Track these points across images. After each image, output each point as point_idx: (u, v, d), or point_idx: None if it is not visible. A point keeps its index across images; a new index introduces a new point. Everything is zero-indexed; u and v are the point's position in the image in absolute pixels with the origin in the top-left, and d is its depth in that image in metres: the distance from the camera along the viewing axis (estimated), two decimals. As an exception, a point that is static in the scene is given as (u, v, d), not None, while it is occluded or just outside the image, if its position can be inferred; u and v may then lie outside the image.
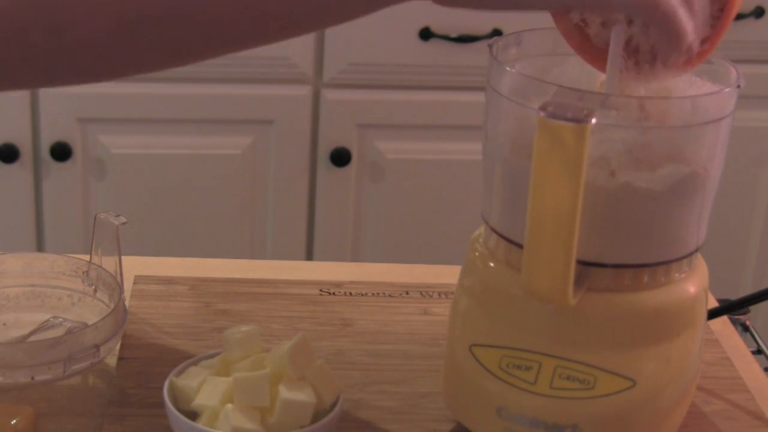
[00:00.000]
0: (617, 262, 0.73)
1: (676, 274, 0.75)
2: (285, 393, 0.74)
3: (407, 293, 1.00)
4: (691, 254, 0.76)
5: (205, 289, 0.99)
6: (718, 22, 0.71)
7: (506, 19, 1.74)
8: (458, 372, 0.78)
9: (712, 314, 0.91)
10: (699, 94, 0.72)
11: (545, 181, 0.68)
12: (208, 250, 1.81)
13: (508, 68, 0.74)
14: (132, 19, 0.62)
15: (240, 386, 0.74)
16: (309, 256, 1.88)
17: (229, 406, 0.73)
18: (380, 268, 1.05)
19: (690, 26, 0.68)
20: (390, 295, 1.00)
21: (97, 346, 0.84)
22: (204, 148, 1.80)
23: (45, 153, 1.75)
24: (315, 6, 0.66)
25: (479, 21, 1.75)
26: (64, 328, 0.89)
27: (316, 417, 0.75)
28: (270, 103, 1.78)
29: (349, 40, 1.75)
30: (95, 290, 0.92)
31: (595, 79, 0.76)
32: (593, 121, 0.66)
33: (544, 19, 0.74)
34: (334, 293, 1.00)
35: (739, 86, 0.73)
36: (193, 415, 0.75)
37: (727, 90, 0.73)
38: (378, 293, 1.00)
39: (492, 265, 0.77)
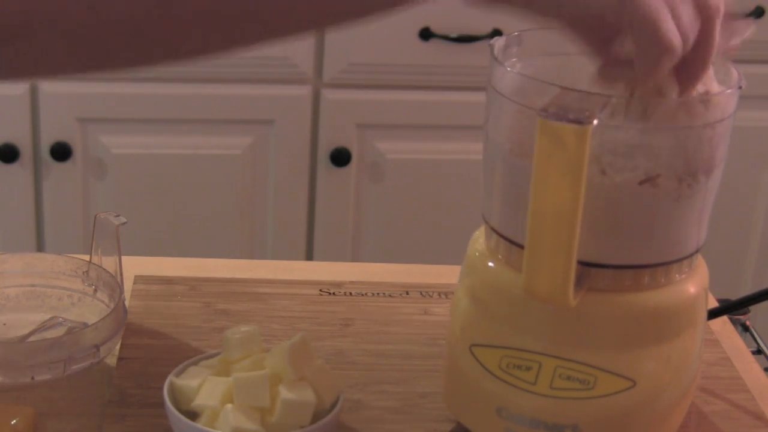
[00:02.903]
0: (618, 263, 0.73)
1: (677, 275, 0.75)
2: (285, 393, 0.74)
3: (407, 293, 1.00)
4: (691, 255, 0.76)
5: (205, 289, 0.99)
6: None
7: (506, 19, 1.73)
8: (458, 372, 0.78)
9: (712, 314, 0.91)
10: (700, 95, 0.72)
11: (546, 183, 0.68)
12: (208, 250, 1.81)
13: (508, 68, 0.74)
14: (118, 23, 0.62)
15: (240, 386, 0.74)
16: (309, 256, 1.88)
17: (229, 406, 0.73)
18: (380, 268, 1.05)
19: (675, 35, 0.66)
20: (390, 295, 1.00)
21: (97, 346, 0.84)
22: (204, 148, 1.80)
23: (45, 153, 1.75)
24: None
25: (479, 21, 1.75)
26: (64, 328, 0.89)
27: (316, 417, 0.75)
28: (270, 103, 1.78)
29: (349, 40, 1.75)
30: (95, 290, 0.92)
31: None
32: (594, 122, 0.66)
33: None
34: (334, 293, 1.00)
35: (740, 87, 0.73)
36: (193, 415, 0.75)
37: (728, 91, 0.73)
38: (378, 293, 1.00)
39: (492, 265, 0.77)
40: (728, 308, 0.93)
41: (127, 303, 0.94)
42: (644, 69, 0.68)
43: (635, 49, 0.67)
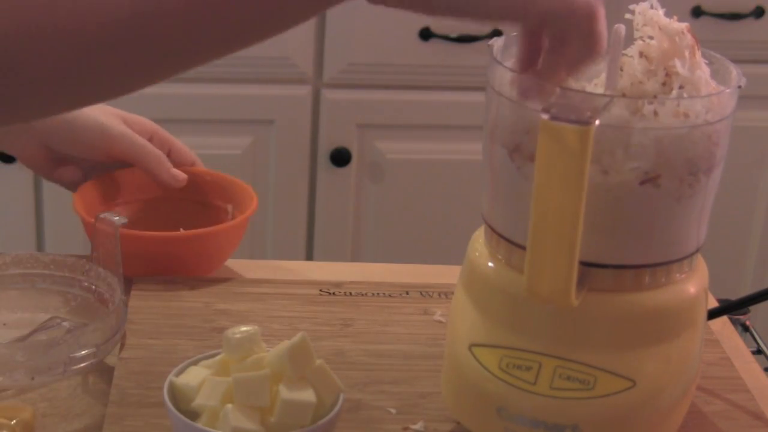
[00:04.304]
0: (618, 263, 0.73)
1: (677, 275, 0.75)
2: (285, 393, 0.74)
3: (407, 293, 1.00)
4: (691, 255, 0.76)
5: (205, 289, 0.99)
6: None
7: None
8: (458, 372, 0.78)
9: (712, 314, 0.91)
10: (700, 95, 0.72)
11: (548, 183, 0.68)
12: (208, 250, 1.81)
13: (508, 68, 0.74)
14: (88, 47, 0.61)
15: (240, 386, 0.74)
16: (309, 256, 1.88)
17: (229, 406, 0.73)
18: (380, 268, 1.05)
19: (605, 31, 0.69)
20: (390, 295, 0.99)
21: (97, 346, 0.84)
22: (204, 148, 1.79)
23: (45, 153, 1.74)
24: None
25: (479, 21, 1.75)
26: (64, 328, 0.89)
27: (316, 417, 0.75)
28: (270, 103, 1.78)
29: (349, 40, 1.75)
30: (95, 290, 0.92)
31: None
32: (597, 123, 0.66)
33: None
34: (334, 293, 0.99)
35: (739, 87, 0.73)
36: (193, 415, 0.75)
37: (727, 91, 0.73)
38: (378, 293, 1.00)
39: (492, 265, 0.77)
40: (728, 308, 0.93)
41: (127, 303, 0.94)
42: (581, 62, 0.69)
43: (576, 44, 0.68)
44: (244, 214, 1.01)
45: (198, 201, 1.07)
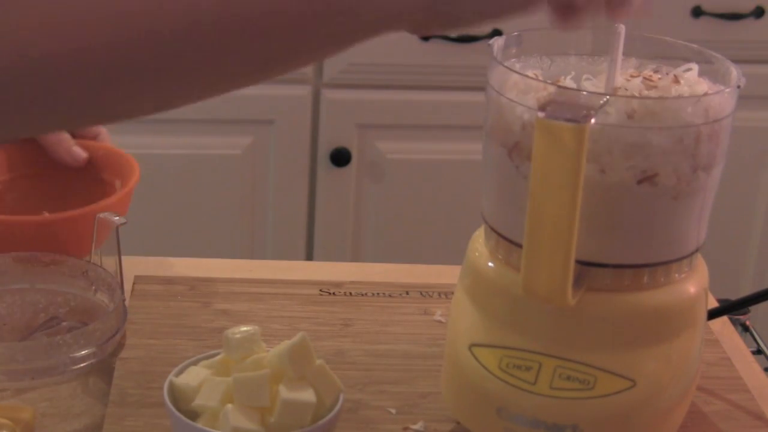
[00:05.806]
0: (617, 263, 0.73)
1: (676, 275, 0.75)
2: (285, 393, 0.74)
3: (407, 293, 1.00)
4: (691, 254, 0.76)
5: (205, 289, 0.99)
6: None
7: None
8: (458, 372, 0.78)
9: (712, 314, 0.91)
10: (699, 95, 0.72)
11: (544, 182, 0.68)
12: (208, 250, 1.81)
13: (508, 68, 0.74)
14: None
15: (240, 386, 0.74)
16: (309, 256, 1.88)
17: (229, 406, 0.73)
18: (380, 268, 1.05)
19: None
20: (390, 295, 1.00)
21: (97, 346, 0.84)
22: (204, 148, 1.80)
23: (45, 153, 1.74)
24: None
25: (479, 21, 1.75)
26: (64, 328, 0.89)
27: (316, 417, 0.75)
28: (270, 103, 1.78)
29: (349, 40, 1.75)
30: (95, 290, 0.92)
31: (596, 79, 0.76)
32: (592, 121, 0.66)
33: (543, 19, 0.74)
34: (334, 293, 1.00)
35: (739, 87, 0.73)
36: (193, 415, 0.75)
37: (727, 90, 0.73)
38: (378, 293, 1.00)
39: (492, 265, 0.77)
40: (728, 308, 0.93)
41: (127, 303, 0.94)
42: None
43: None
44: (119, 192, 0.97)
45: (89, 176, 1.02)
